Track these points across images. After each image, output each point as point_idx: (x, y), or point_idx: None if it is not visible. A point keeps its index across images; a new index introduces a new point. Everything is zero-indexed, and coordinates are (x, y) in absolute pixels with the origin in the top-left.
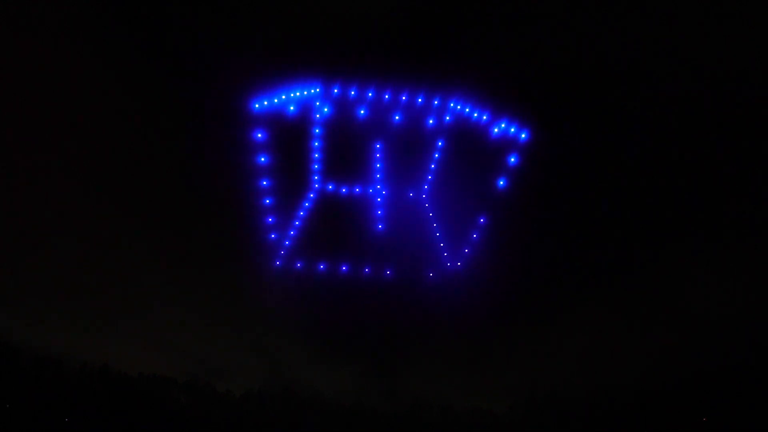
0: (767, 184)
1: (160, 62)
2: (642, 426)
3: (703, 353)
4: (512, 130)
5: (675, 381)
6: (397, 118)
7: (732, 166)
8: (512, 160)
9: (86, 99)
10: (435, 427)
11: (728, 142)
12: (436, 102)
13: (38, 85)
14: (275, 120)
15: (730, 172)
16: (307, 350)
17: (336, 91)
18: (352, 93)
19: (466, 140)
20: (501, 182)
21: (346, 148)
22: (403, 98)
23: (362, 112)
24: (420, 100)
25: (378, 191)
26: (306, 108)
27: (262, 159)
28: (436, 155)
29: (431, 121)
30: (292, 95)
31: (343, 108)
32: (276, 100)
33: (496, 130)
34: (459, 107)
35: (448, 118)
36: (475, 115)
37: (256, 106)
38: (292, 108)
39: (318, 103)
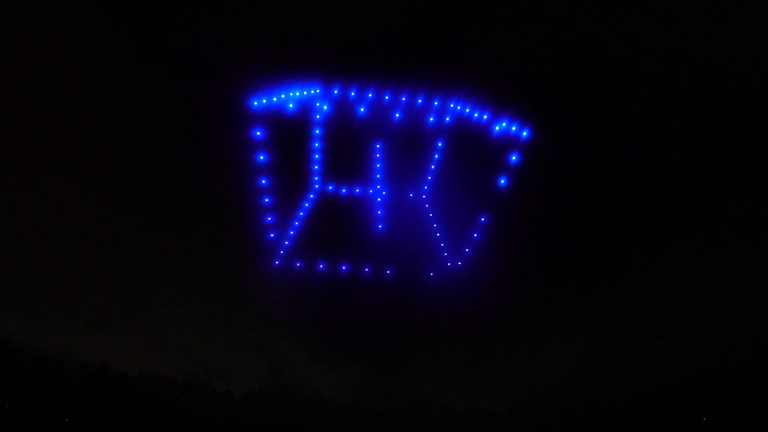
0: (767, 184)
1: (159, 62)
2: (642, 426)
3: (703, 353)
4: (513, 128)
5: (675, 381)
6: (397, 116)
7: (732, 166)
8: (513, 158)
9: (86, 98)
10: (435, 427)
11: (728, 142)
12: (436, 103)
13: (38, 85)
14: (274, 118)
15: (730, 172)
16: (307, 350)
17: (336, 92)
18: (352, 94)
19: (467, 140)
20: (502, 181)
21: (346, 149)
22: (403, 99)
23: (362, 111)
24: (420, 100)
25: (378, 191)
26: (306, 108)
27: (261, 157)
28: (436, 156)
29: (431, 121)
30: (291, 94)
31: (343, 108)
32: (275, 99)
33: (497, 128)
34: (459, 107)
35: (448, 118)
36: (476, 115)
37: (255, 103)
38: (291, 105)
39: (318, 104)
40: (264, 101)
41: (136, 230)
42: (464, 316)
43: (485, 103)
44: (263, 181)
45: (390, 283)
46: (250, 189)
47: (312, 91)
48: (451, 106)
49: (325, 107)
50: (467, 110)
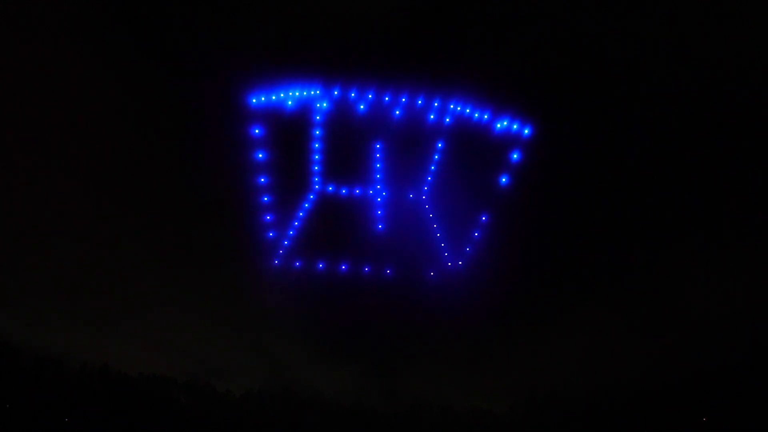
0: (767, 184)
1: (158, 61)
2: (642, 426)
3: (703, 353)
4: (515, 126)
5: (675, 381)
6: (397, 117)
7: (732, 166)
8: (515, 156)
9: (85, 98)
10: (435, 427)
11: (728, 142)
12: (436, 104)
13: (38, 85)
14: (274, 118)
15: (730, 172)
16: (307, 350)
17: (336, 92)
18: (353, 95)
19: (467, 140)
20: (503, 179)
21: (347, 150)
22: (403, 100)
23: (362, 112)
24: (420, 101)
25: (378, 192)
26: (306, 109)
27: (260, 155)
28: (436, 156)
29: (431, 123)
30: (291, 93)
31: (343, 109)
32: (274, 97)
33: (498, 125)
34: (459, 108)
35: (448, 119)
36: (476, 115)
37: (254, 101)
38: (290, 103)
39: (318, 104)
40: (263, 99)
41: (136, 230)
42: (464, 316)
43: (485, 103)
44: (262, 180)
45: (390, 283)
46: (250, 188)
47: (312, 92)
48: (451, 107)
49: (324, 104)
50: (467, 110)
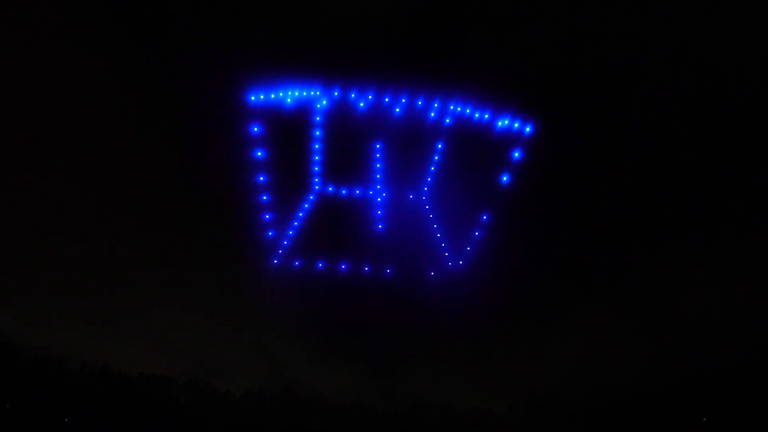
0: (767, 184)
1: (158, 61)
2: (642, 426)
3: (703, 353)
4: (516, 125)
5: (675, 381)
6: (397, 118)
7: (732, 166)
8: (516, 155)
9: (84, 96)
10: (435, 427)
11: (728, 142)
12: (436, 105)
13: (37, 85)
14: (274, 116)
15: (730, 172)
16: (307, 350)
17: (336, 93)
18: (353, 96)
19: (468, 139)
20: (504, 178)
21: (347, 150)
22: (403, 100)
23: (362, 112)
24: (420, 102)
25: (378, 192)
26: (306, 110)
27: (259, 154)
28: (436, 157)
29: (431, 123)
30: (290, 93)
31: (343, 109)
32: (273, 95)
33: (500, 123)
34: (459, 109)
35: (448, 120)
36: (476, 115)
37: (252, 98)
38: (289, 101)
39: (318, 105)
40: (262, 97)
41: (136, 230)
42: (464, 316)
43: (486, 103)
44: (261, 179)
45: (390, 283)
46: (250, 187)
47: (312, 92)
48: (451, 108)
49: (324, 102)
50: (467, 111)
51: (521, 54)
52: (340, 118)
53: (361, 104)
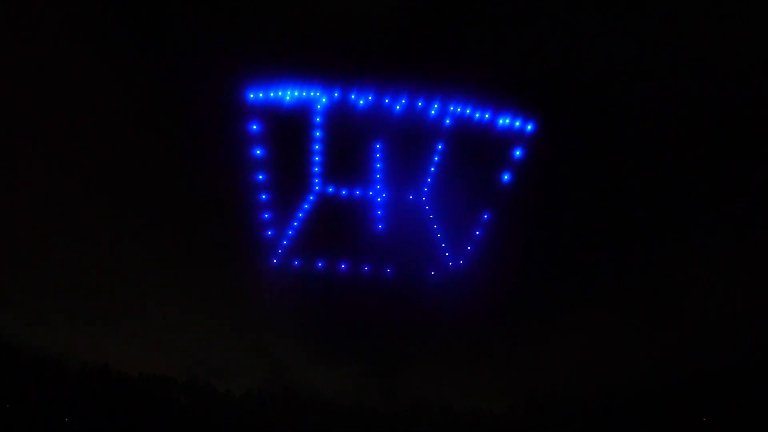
0: (767, 184)
1: (157, 61)
2: (642, 426)
3: (703, 353)
4: (517, 123)
5: (675, 381)
6: (397, 118)
7: (732, 166)
8: (517, 153)
9: (84, 97)
10: (435, 427)
11: (728, 142)
12: (436, 105)
13: (37, 85)
14: (274, 116)
15: (730, 172)
16: (307, 350)
17: (336, 94)
18: (353, 96)
19: (468, 138)
20: (505, 176)
21: (347, 151)
22: (403, 101)
23: (362, 112)
24: (420, 103)
25: (378, 192)
26: (306, 110)
27: (258, 152)
28: (436, 158)
29: (431, 123)
30: (290, 93)
31: (343, 110)
32: (272, 94)
33: (501, 121)
34: (459, 109)
35: (448, 121)
36: (477, 115)
37: (251, 96)
38: (288, 98)
39: (318, 106)
40: (260, 95)
41: (136, 230)
42: (464, 316)
43: (486, 103)
44: (260, 177)
45: (390, 283)
46: (250, 187)
47: (312, 93)
48: (451, 108)
49: (324, 99)
50: (467, 111)
51: (521, 54)
52: (340, 118)
53: (361, 102)
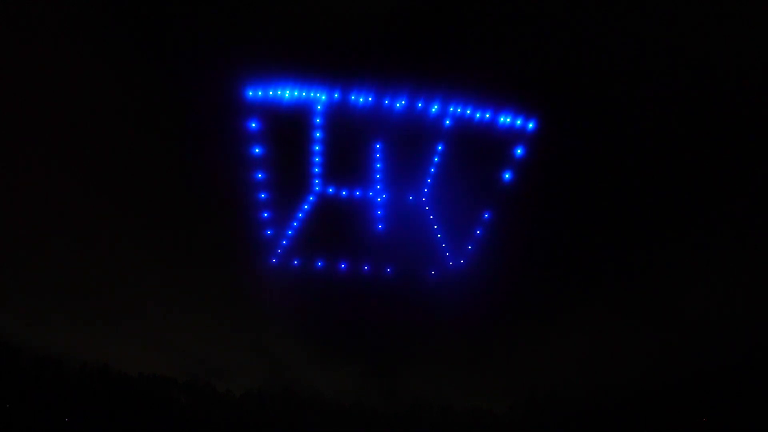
0: (767, 184)
1: (157, 60)
2: (642, 426)
3: (703, 353)
4: (518, 122)
5: (675, 381)
6: (397, 118)
7: (732, 166)
8: (519, 152)
9: (84, 97)
10: (435, 427)
11: (728, 142)
12: (436, 105)
13: (36, 85)
14: (273, 115)
15: (730, 172)
16: (307, 350)
17: (336, 94)
18: (353, 97)
19: (469, 137)
20: (506, 175)
21: (347, 152)
22: (403, 102)
23: (362, 112)
24: (420, 104)
25: (378, 192)
26: (305, 111)
27: (257, 150)
28: (436, 159)
29: (431, 124)
30: (289, 93)
31: (343, 110)
32: (271, 92)
33: (502, 119)
34: (459, 110)
35: (448, 121)
36: (477, 115)
37: (250, 93)
38: (287, 96)
39: (318, 107)
40: (259, 93)
41: (136, 230)
42: (464, 316)
43: (487, 102)
44: (260, 176)
45: (390, 283)
46: (249, 186)
47: (312, 93)
48: (451, 109)
49: (323, 98)
50: (468, 111)
51: (521, 54)
52: (339, 118)
53: (361, 99)
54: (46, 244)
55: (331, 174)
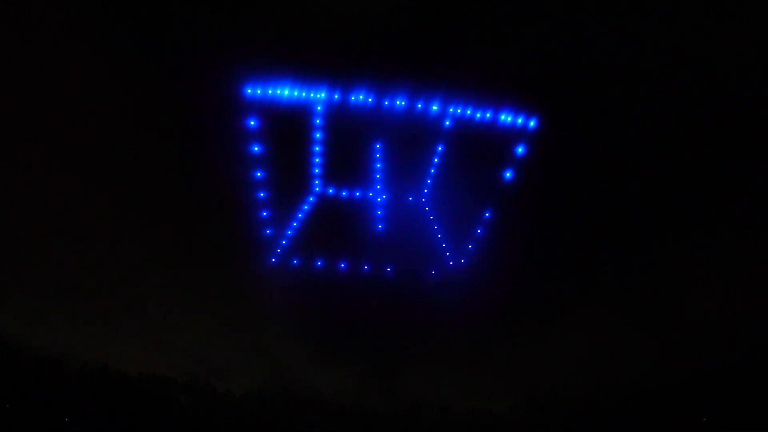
0: (767, 184)
1: (156, 59)
2: (642, 426)
3: (703, 353)
4: (519, 120)
5: (675, 381)
6: (397, 119)
7: (732, 166)
8: (519, 150)
9: (84, 97)
10: (435, 427)
11: (728, 142)
12: (436, 106)
13: (35, 84)
14: (273, 115)
15: (730, 172)
16: (307, 350)
17: (336, 94)
18: (353, 98)
19: (469, 137)
20: (507, 174)
21: (347, 152)
22: (403, 102)
23: (362, 112)
24: (420, 104)
25: (378, 193)
26: (305, 111)
27: (256, 148)
28: (436, 159)
29: (432, 124)
30: (289, 93)
31: (343, 110)
32: (270, 91)
33: (502, 118)
34: (459, 111)
35: (448, 122)
36: (477, 115)
37: (249, 91)
38: (287, 94)
39: (318, 107)
40: (259, 92)
41: (136, 230)
42: (464, 316)
43: (487, 102)
44: (258, 174)
45: (390, 283)
46: (249, 186)
47: (312, 93)
48: (451, 110)
49: (323, 95)
50: (468, 112)
51: (521, 53)
52: (339, 119)
53: (361, 98)
54: (46, 244)
55: (331, 174)
